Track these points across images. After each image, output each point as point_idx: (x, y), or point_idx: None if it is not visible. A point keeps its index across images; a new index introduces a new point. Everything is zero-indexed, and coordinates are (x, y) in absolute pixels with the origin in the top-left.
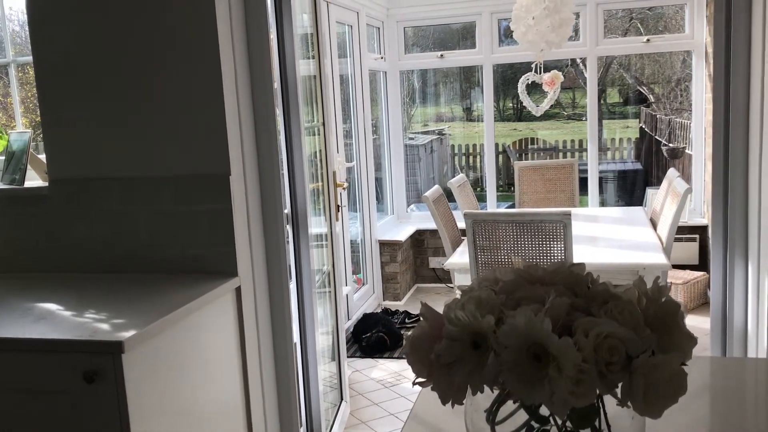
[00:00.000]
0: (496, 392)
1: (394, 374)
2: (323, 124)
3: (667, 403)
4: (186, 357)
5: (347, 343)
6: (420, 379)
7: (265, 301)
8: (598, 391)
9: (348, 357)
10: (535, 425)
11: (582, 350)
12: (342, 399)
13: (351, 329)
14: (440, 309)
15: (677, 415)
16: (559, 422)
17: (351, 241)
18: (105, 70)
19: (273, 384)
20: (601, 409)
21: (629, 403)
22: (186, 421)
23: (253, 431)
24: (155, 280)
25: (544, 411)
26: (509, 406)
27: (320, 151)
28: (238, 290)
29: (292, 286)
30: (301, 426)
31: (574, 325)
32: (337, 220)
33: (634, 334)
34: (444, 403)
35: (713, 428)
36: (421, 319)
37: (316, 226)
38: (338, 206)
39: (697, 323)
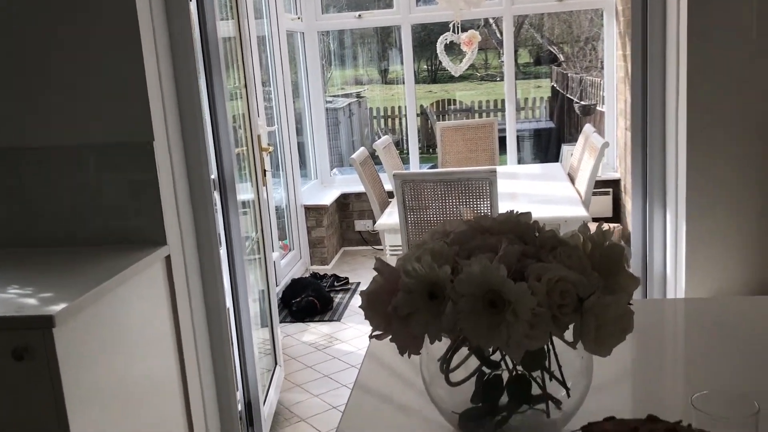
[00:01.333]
0: (449, 341)
1: (325, 337)
2: (245, 87)
3: (616, 340)
4: (119, 330)
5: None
6: (377, 332)
7: (195, 270)
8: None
9: (279, 323)
10: (487, 370)
11: (536, 294)
12: (276, 363)
13: (280, 295)
14: (368, 272)
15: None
16: (510, 366)
17: (276, 207)
18: (16, 37)
19: (208, 352)
20: (552, 351)
21: (580, 343)
22: (122, 396)
23: (190, 401)
24: (81, 253)
25: (495, 356)
26: (462, 353)
27: (243, 115)
28: (168, 259)
29: (222, 253)
30: (237, 392)
31: (526, 272)
32: (264, 185)
33: (583, 277)
34: (402, 353)
35: (637, 363)
36: (376, 273)
37: (243, 192)
38: (264, 171)
39: None
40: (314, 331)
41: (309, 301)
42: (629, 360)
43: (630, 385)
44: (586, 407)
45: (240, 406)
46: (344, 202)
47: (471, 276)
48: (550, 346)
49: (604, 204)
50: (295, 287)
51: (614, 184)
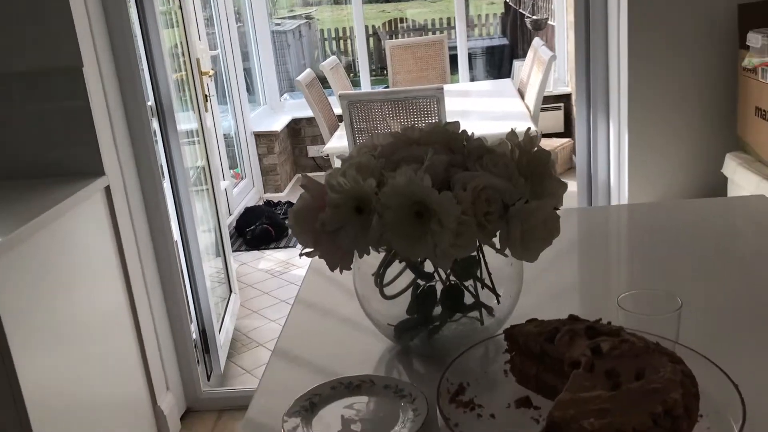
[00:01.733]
0: (383, 255)
1: (281, 263)
2: (180, 8)
3: (543, 245)
4: (60, 265)
5: (231, 238)
6: (307, 250)
7: (138, 200)
8: (478, 242)
9: (234, 252)
10: (421, 282)
11: (461, 203)
12: (231, 291)
13: (234, 224)
14: None
15: (547, 255)
16: (444, 276)
17: (224, 135)
18: None
19: (158, 284)
20: (482, 259)
21: (508, 250)
22: (71, 333)
23: (142, 333)
24: (13, 187)
25: (429, 269)
26: (396, 268)
27: (181, 43)
28: (108, 190)
29: (167, 184)
30: (192, 323)
31: (452, 181)
32: (206, 111)
33: (509, 183)
34: (332, 269)
35: (580, 269)
36: (303, 190)
37: (186, 121)
38: (206, 96)
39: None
40: (270, 258)
41: (263, 229)
42: (572, 266)
43: (571, 291)
44: (521, 312)
45: (195, 335)
46: (296, 127)
47: (395, 188)
48: (480, 256)
49: (555, 119)
50: (249, 216)
51: (566, 98)
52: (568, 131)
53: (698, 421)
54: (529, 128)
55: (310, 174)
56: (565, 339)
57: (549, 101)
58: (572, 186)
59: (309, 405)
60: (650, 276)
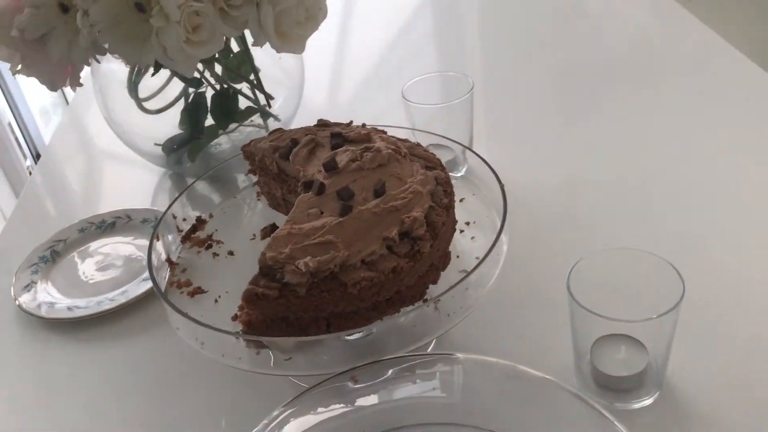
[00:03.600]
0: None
1: None
2: None
3: (305, 30)
4: None
5: None
6: (16, 68)
7: None
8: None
9: None
10: (191, 90)
11: None
12: None
13: None
14: None
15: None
16: (213, 81)
17: None
18: None
19: None
20: (249, 54)
21: (267, 42)
22: None
23: None
24: None
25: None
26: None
27: None
28: None
29: None
30: None
31: None
32: None
33: None
34: (54, 89)
35: (439, 31)
36: None
37: None
38: None
39: None
40: None
41: None
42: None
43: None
44: (306, 114)
45: None
46: None
47: None
48: (246, 48)
49: None
50: None
51: None
52: None
53: (461, 231)
54: None
55: None
56: (302, 153)
57: None
58: None
59: (51, 255)
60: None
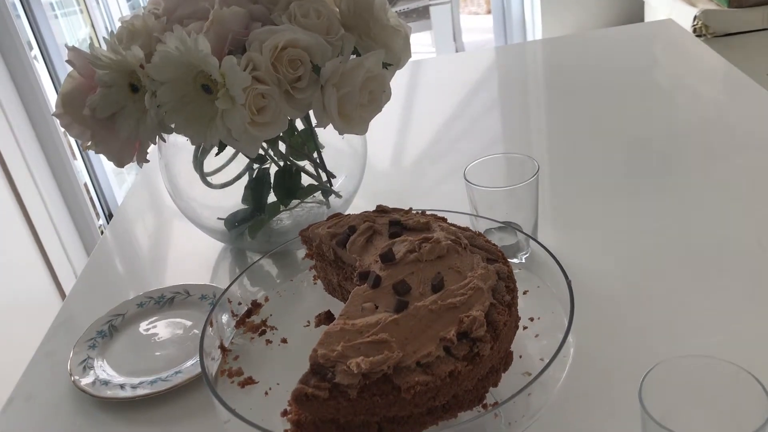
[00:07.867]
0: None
1: None
2: None
3: (368, 113)
4: None
5: None
6: (86, 144)
7: (7, 81)
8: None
9: None
10: (255, 166)
11: (257, 69)
12: None
13: None
14: None
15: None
16: (276, 158)
17: None
18: None
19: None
20: (313, 133)
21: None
22: None
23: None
24: None
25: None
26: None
27: None
28: None
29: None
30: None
31: (248, 41)
32: None
33: (320, 38)
34: (121, 165)
35: (503, 109)
36: (71, 68)
37: None
38: None
39: (480, 23)
40: None
41: None
42: (482, 111)
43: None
44: (369, 191)
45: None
46: None
47: (164, 56)
48: (313, 132)
49: None
50: None
51: None
52: None
53: (524, 328)
54: None
55: None
56: (359, 242)
57: None
58: (489, 21)
59: (108, 330)
60: (567, 113)
